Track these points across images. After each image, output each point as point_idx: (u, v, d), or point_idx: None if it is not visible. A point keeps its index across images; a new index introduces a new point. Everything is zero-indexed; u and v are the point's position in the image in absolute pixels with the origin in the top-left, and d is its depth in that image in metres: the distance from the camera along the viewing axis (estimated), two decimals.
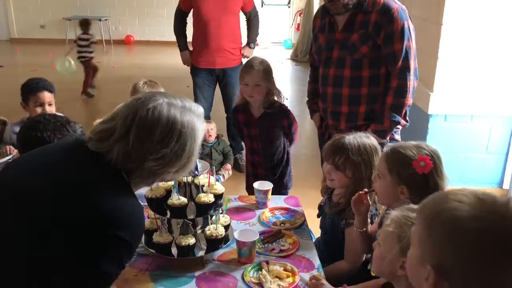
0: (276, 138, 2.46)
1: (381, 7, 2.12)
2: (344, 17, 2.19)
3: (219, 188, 1.70)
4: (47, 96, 2.49)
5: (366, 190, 1.64)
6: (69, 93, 5.89)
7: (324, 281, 1.51)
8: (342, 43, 2.22)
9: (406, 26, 2.12)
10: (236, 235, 1.64)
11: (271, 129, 2.44)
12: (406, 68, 2.14)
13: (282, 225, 1.90)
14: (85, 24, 6.60)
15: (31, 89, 2.48)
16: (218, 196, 1.68)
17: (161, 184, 1.68)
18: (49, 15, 10.52)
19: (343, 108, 2.27)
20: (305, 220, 1.93)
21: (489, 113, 3.28)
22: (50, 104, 2.51)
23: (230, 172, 3.88)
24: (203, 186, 1.67)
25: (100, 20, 10.31)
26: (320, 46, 2.34)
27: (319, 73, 2.39)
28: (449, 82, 3.22)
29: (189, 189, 1.69)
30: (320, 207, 1.98)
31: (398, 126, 2.25)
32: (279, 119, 2.42)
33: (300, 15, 9.66)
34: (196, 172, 1.64)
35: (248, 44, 4.08)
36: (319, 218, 2.00)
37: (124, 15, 10.55)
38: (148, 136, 1.18)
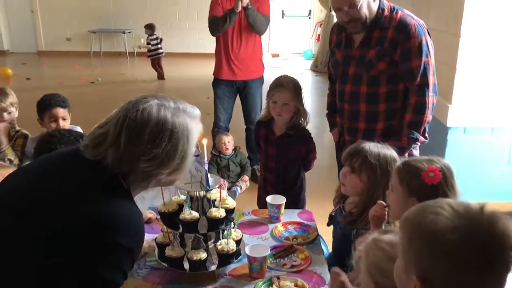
0: (291, 161, 2.40)
1: (397, 23, 2.11)
2: (361, 34, 2.19)
3: (231, 202, 1.71)
4: (60, 111, 2.56)
5: (384, 203, 1.64)
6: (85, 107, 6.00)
7: (344, 277, 1.52)
8: (358, 59, 2.21)
9: (423, 42, 2.09)
10: (247, 250, 1.65)
11: (288, 152, 2.38)
12: (424, 84, 2.11)
13: (295, 239, 1.90)
14: (149, 27, 8.44)
15: (45, 105, 2.56)
16: (230, 211, 1.69)
17: (173, 198, 1.71)
18: (75, 28, 10.80)
19: (360, 124, 2.26)
20: (318, 235, 1.94)
21: (510, 126, 3.23)
22: (64, 119, 2.57)
23: (248, 183, 3.90)
24: (214, 200, 1.69)
25: (124, 32, 10.54)
26: (337, 61, 2.34)
27: (336, 88, 2.38)
28: (468, 94, 3.18)
29: (201, 203, 1.71)
30: (331, 217, 1.98)
31: (417, 142, 2.22)
32: (298, 143, 2.37)
33: (320, 26, 9.69)
34: (208, 187, 1.66)
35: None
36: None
37: None
38: (138, 137, 1.20)
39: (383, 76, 2.16)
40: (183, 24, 10.55)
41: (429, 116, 2.14)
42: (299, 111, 2.34)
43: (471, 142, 3.27)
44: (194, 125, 1.28)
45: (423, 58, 2.09)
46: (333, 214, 1.96)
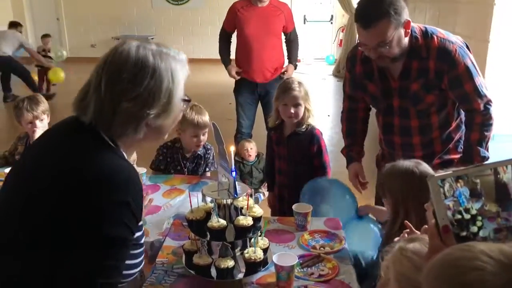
0: (301, 159, 2.46)
1: (438, 52, 1.96)
2: (398, 64, 2.03)
3: (258, 211, 1.71)
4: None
5: None
6: None
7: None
8: (400, 91, 2.08)
9: (469, 63, 1.96)
10: (274, 259, 1.64)
11: (298, 151, 2.45)
12: (486, 103, 2.01)
13: (322, 248, 1.88)
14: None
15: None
16: (257, 219, 1.69)
17: (201, 206, 1.72)
18: (99, 35, 10.99)
19: (416, 153, 2.14)
20: (345, 244, 1.92)
21: None
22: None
23: None
24: (241, 208, 1.69)
25: (146, 38, 10.67)
26: (373, 95, 2.20)
27: (377, 121, 2.28)
28: (498, 100, 3.10)
29: (228, 211, 1.71)
30: None
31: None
32: (307, 141, 2.43)
33: (342, 31, 9.65)
34: (236, 195, 1.66)
35: (291, 62, 4.14)
36: None
37: (170, 34, 10.87)
38: (118, 77, 1.17)
39: (433, 107, 2.07)
40: (205, 30, 10.64)
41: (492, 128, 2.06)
42: (308, 111, 2.42)
43: (499, 149, 3.19)
44: (179, 66, 1.25)
45: (475, 79, 1.97)
46: None
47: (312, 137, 2.44)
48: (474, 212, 0.88)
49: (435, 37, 1.98)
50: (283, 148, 2.51)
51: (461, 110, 2.12)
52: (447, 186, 0.88)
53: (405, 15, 1.90)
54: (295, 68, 4.17)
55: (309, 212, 2.02)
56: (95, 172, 1.15)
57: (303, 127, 2.45)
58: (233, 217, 1.69)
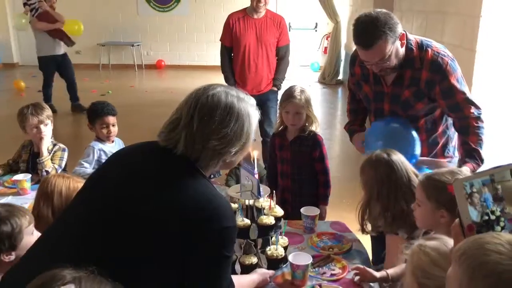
0: (304, 164, 2.56)
1: (431, 64, 2.09)
2: (393, 74, 2.17)
3: (279, 211, 1.85)
4: (111, 119, 2.83)
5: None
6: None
7: (368, 269, 1.69)
8: (392, 97, 2.21)
9: (459, 75, 2.11)
10: (290, 258, 1.74)
11: (302, 154, 2.55)
12: (477, 108, 2.13)
13: (331, 250, 1.98)
14: None
15: (98, 113, 2.80)
16: (278, 219, 1.83)
17: None
18: (84, 41, 10.89)
19: None
20: (352, 245, 2.02)
21: None
22: (113, 125, 2.85)
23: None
24: (264, 208, 1.83)
25: (132, 45, 10.68)
26: (367, 96, 2.34)
27: (370, 121, 2.43)
28: (484, 109, 3.26)
29: (252, 211, 1.84)
30: None
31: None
32: (310, 146, 2.54)
33: (327, 39, 9.82)
34: (259, 196, 1.78)
35: (275, 85, 4.15)
36: None
37: (156, 41, 10.90)
38: (210, 119, 1.34)
39: (421, 113, 2.20)
40: (191, 37, 10.71)
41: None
42: (310, 118, 2.53)
43: (487, 154, 3.35)
44: (253, 111, 1.43)
45: (464, 89, 2.11)
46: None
47: (314, 143, 2.55)
48: (498, 214, 1.00)
49: (430, 50, 2.12)
50: (287, 152, 2.61)
51: (450, 118, 2.23)
52: (475, 190, 1.01)
53: (399, 29, 2.05)
54: (279, 89, 4.13)
55: (317, 215, 2.12)
56: (211, 202, 1.30)
57: (306, 133, 2.55)
58: (256, 216, 1.82)
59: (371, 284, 1.74)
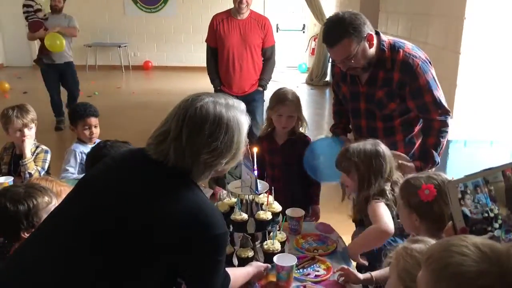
0: (295, 166, 2.53)
1: (401, 65, 2.13)
2: (365, 74, 2.22)
3: (277, 207, 1.90)
4: (93, 120, 2.82)
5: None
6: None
7: (352, 270, 1.72)
8: (367, 96, 2.26)
9: (430, 77, 2.13)
10: (275, 259, 1.74)
11: (292, 158, 2.53)
12: (444, 113, 2.16)
13: (315, 251, 1.98)
14: None
15: (80, 115, 2.79)
16: (276, 214, 1.88)
17: (225, 200, 1.91)
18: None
19: None
20: (337, 246, 2.02)
21: (509, 138, 3.35)
22: (95, 126, 2.83)
23: None
24: (262, 204, 1.87)
25: (119, 46, 10.62)
26: (344, 96, 2.39)
27: (350, 120, 2.47)
28: (469, 108, 3.30)
29: (250, 206, 1.88)
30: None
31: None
32: (301, 149, 2.51)
33: (314, 40, 9.86)
34: (257, 191, 1.82)
35: (261, 85, 4.17)
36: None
37: (143, 42, 10.86)
38: (199, 132, 1.32)
39: (396, 112, 2.23)
40: (178, 37, 10.67)
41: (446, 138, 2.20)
42: (299, 120, 2.54)
43: (471, 154, 3.38)
44: (243, 118, 1.42)
45: (434, 92, 2.13)
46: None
47: (305, 144, 2.53)
48: (496, 212, 1.02)
49: (401, 51, 2.16)
50: (278, 157, 2.58)
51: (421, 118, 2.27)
52: (469, 192, 1.02)
53: (367, 29, 2.10)
54: (265, 89, 4.17)
55: (302, 217, 2.12)
56: (202, 211, 1.31)
57: (296, 135, 2.54)
58: (254, 211, 1.87)
59: (354, 286, 1.74)
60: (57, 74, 6.22)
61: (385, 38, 2.19)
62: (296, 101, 2.50)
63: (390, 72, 2.16)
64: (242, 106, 1.45)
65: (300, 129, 2.56)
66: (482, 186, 1.03)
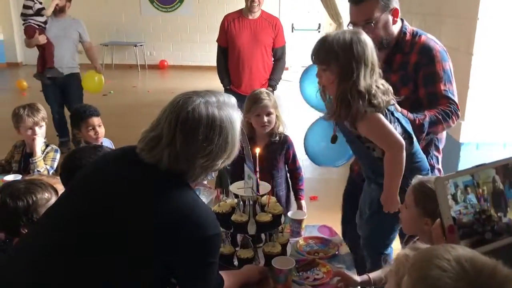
0: (278, 167, 2.53)
1: (420, 47, 2.06)
2: (382, 54, 2.10)
3: (279, 209, 1.90)
4: (95, 120, 2.80)
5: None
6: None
7: (348, 273, 1.70)
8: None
9: (447, 67, 2.04)
10: (273, 262, 1.73)
11: (274, 159, 2.51)
12: (453, 104, 2.03)
13: (316, 254, 1.97)
14: None
15: (81, 117, 2.78)
16: (277, 216, 1.87)
17: (228, 201, 1.92)
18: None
19: None
20: (338, 249, 2.00)
21: None
22: (99, 126, 2.81)
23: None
24: (264, 206, 1.87)
25: (135, 45, 10.72)
26: None
27: None
28: (481, 111, 3.24)
29: (252, 208, 1.86)
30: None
31: (438, 155, 2.24)
32: (283, 149, 2.52)
33: None
34: (258, 193, 1.82)
35: (270, 86, 4.14)
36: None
37: (159, 41, 10.93)
38: (193, 137, 1.31)
39: (407, 101, 2.08)
40: (194, 37, 10.72)
41: (444, 127, 2.06)
42: (278, 118, 2.50)
43: (483, 157, 3.30)
44: (236, 114, 1.40)
45: (447, 84, 2.03)
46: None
47: (287, 145, 2.53)
48: (489, 213, 1.00)
49: (423, 36, 2.11)
50: (261, 161, 2.53)
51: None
52: (459, 192, 1.00)
53: (394, 4, 2.05)
54: (274, 89, 4.14)
55: (303, 219, 2.11)
56: (194, 212, 1.31)
57: (277, 137, 2.50)
58: (256, 213, 1.86)
59: None
60: (59, 89, 5.17)
61: (408, 25, 2.15)
62: (272, 99, 2.48)
63: (407, 55, 2.09)
64: (233, 100, 1.43)
65: (280, 129, 2.53)
66: (472, 186, 1.01)
